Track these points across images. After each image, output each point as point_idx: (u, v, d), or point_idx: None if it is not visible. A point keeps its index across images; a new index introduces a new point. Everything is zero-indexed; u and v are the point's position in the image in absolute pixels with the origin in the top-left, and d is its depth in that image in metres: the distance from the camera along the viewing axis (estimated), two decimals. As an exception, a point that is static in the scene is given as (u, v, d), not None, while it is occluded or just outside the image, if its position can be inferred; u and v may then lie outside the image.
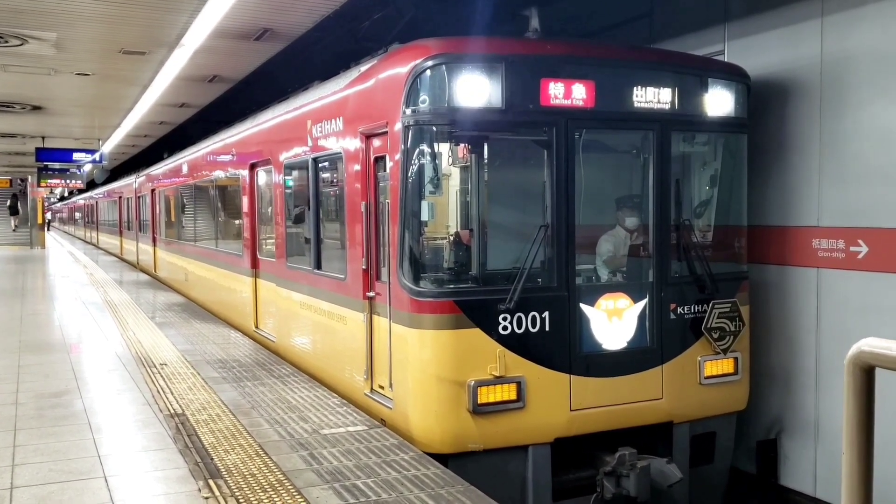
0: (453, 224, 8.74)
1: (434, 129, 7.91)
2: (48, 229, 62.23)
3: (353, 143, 9.11)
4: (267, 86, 17.69)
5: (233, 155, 15.50)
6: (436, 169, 7.87)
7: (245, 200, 14.39)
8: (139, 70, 17.56)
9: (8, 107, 23.61)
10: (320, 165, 10.62)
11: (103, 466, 7.02)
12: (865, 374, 2.56)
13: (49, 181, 34.06)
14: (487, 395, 7.75)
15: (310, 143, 10.58)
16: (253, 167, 13.99)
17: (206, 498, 6.18)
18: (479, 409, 7.72)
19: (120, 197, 36.93)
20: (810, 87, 8.79)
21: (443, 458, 7.53)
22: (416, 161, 7.84)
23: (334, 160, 10.01)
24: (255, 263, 13.83)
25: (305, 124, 10.71)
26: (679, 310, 8.50)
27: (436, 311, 7.77)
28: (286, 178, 12.04)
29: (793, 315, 9.06)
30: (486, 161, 8.42)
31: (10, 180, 47.32)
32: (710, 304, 8.61)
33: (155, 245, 26.41)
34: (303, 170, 11.25)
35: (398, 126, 7.96)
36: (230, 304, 15.72)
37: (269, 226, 13.18)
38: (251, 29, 13.64)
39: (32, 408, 9.03)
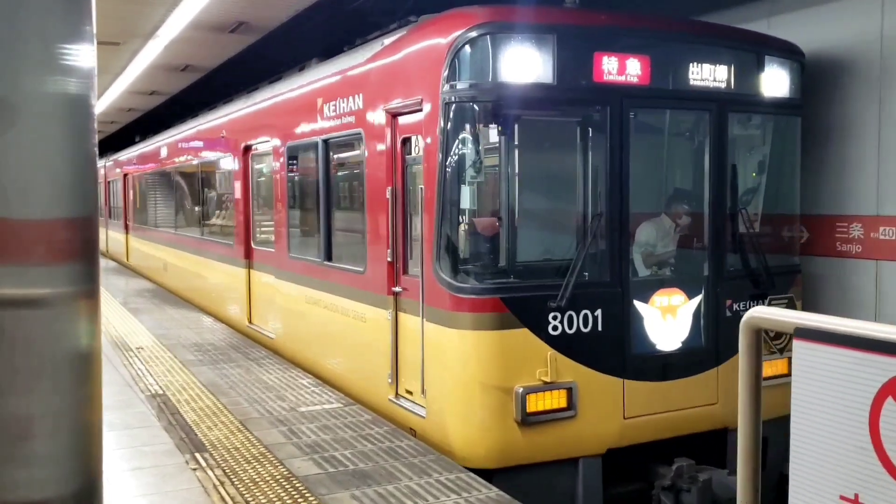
0: (493, 212, 7.23)
1: (478, 106, 6.54)
2: None
3: (377, 123, 7.67)
4: (242, 72, 16.77)
5: (223, 137, 13.46)
6: (478, 151, 6.49)
7: (238, 186, 12.49)
8: (112, 59, 17.08)
9: None
10: (333, 147, 9.10)
11: None
12: (755, 334, 2.87)
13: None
14: (536, 403, 6.44)
15: (320, 123, 9.05)
16: (247, 150, 12.13)
17: (194, 469, 6.17)
18: (527, 419, 6.41)
19: None
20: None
21: (486, 474, 6.23)
22: (457, 142, 6.48)
23: (351, 141, 8.52)
24: (248, 253, 12.06)
25: (315, 103, 9.16)
26: (735, 306, 7.22)
27: (479, 309, 6.44)
28: (289, 161, 10.30)
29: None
30: (533, 142, 7.08)
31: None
32: (767, 301, 7.34)
33: (127, 233, 23.95)
34: (310, 152, 9.67)
35: (435, 103, 6.58)
36: (218, 296, 13.86)
37: (267, 213, 11.46)
38: (227, 21, 13.38)
39: None
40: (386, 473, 6.06)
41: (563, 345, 6.51)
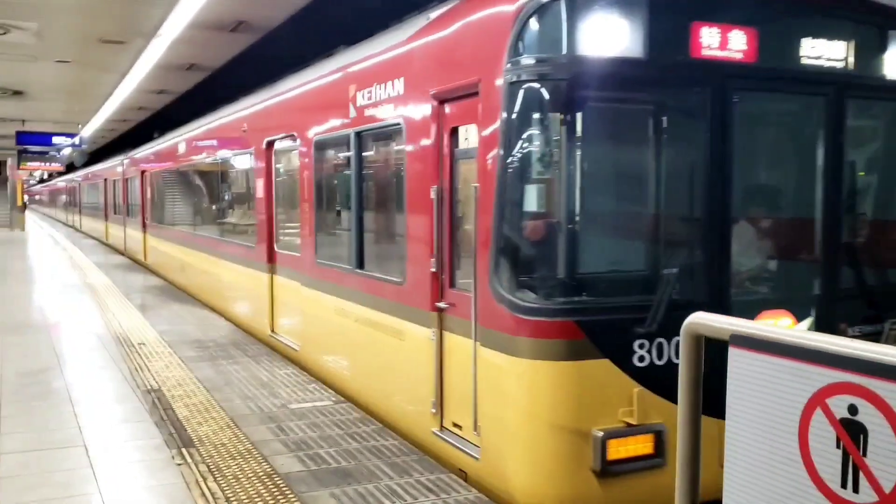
0: (566, 216, 5.63)
1: (550, 87, 5.22)
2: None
3: (420, 111, 6.41)
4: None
5: (243, 131, 12.14)
6: (549, 141, 5.21)
7: (259, 184, 11.19)
8: (118, 58, 17.23)
9: None
10: (367, 140, 7.83)
11: (83, 436, 6.92)
12: (695, 340, 2.80)
13: (29, 164, 31.59)
14: (618, 450, 5.17)
15: (353, 113, 7.76)
16: (270, 145, 10.78)
17: (179, 464, 6.15)
18: (607, 469, 5.15)
19: (105, 180, 31.45)
20: None
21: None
22: (523, 131, 5.22)
23: (389, 133, 7.24)
24: (271, 257, 10.80)
25: (347, 90, 7.88)
26: (849, 331, 5.88)
27: (548, 333, 5.18)
28: (316, 156, 8.96)
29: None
30: (616, 131, 5.76)
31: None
32: (887, 324, 6.01)
33: (145, 231, 22.25)
34: (341, 146, 8.42)
35: (497, 83, 5.31)
36: (238, 301, 12.66)
37: (292, 214, 10.13)
38: (227, 21, 13.53)
39: (14, 384, 8.73)
40: (367, 472, 5.96)
41: (651, 379, 5.23)
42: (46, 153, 31.74)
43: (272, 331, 10.76)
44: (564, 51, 5.12)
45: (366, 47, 7.83)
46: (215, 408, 7.70)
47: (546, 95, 5.24)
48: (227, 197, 14.23)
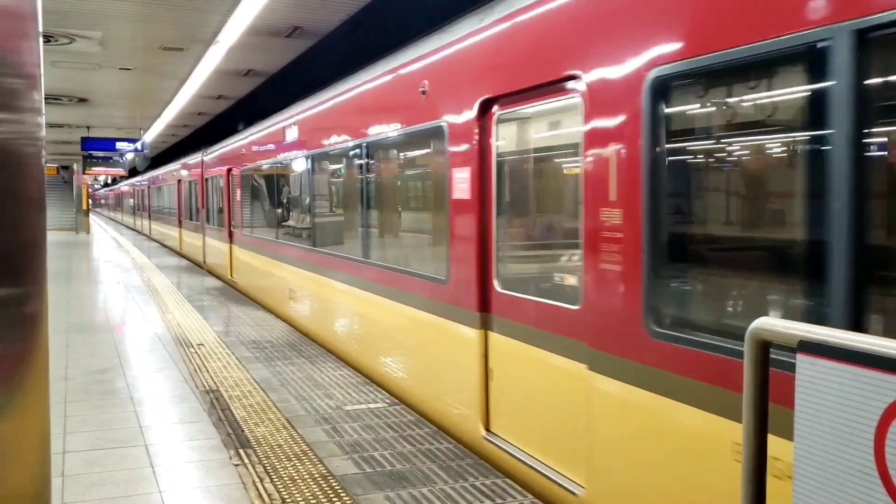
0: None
1: None
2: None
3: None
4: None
5: (422, 93, 7.38)
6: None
7: (462, 178, 6.63)
8: (177, 65, 17.41)
9: (56, 99, 23.24)
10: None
11: (144, 436, 6.96)
12: (762, 347, 2.56)
13: (93, 168, 32.06)
14: None
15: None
16: (488, 107, 6.29)
17: (237, 465, 6.14)
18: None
19: (179, 181, 27.49)
20: None
21: None
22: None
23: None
24: (484, 301, 6.40)
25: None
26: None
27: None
28: (624, 116, 4.64)
29: None
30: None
31: (57, 168, 45.56)
32: None
33: (231, 242, 18.17)
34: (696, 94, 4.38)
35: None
36: (407, 367, 8.03)
37: (540, 228, 6.14)
38: (282, 27, 13.59)
39: (80, 383, 8.88)
40: (422, 476, 5.92)
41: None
42: (110, 158, 32.13)
43: (487, 429, 6.51)
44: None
45: None
46: (272, 408, 7.70)
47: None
48: (383, 200, 9.05)
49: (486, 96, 6.27)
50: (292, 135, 12.66)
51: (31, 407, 2.24)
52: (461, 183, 6.68)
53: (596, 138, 4.91)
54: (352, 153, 9.78)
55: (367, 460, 6.26)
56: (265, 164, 14.79)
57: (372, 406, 7.73)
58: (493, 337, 6.37)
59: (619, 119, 4.69)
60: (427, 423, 7.13)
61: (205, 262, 22.51)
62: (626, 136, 4.63)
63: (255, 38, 14.37)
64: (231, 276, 18.47)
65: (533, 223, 6.24)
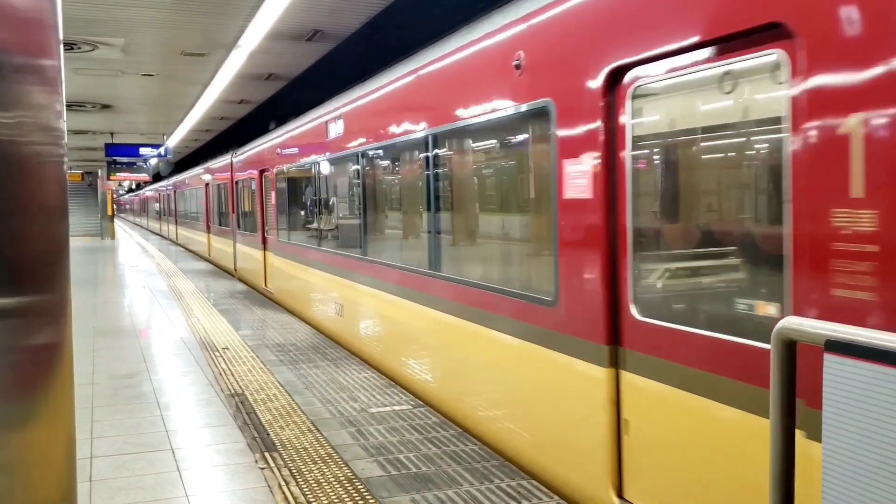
0: None
1: None
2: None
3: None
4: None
5: (516, 67, 5.91)
6: None
7: (580, 170, 5.09)
8: (199, 70, 17.51)
9: (80, 106, 23.40)
10: None
11: (170, 440, 6.99)
12: (788, 346, 2.58)
13: (118, 174, 32.34)
14: None
15: None
16: (618, 77, 4.75)
17: (262, 468, 6.15)
18: None
19: (207, 185, 26.33)
20: None
21: None
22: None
23: None
24: (614, 331, 4.91)
25: None
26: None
27: None
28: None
29: None
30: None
31: (82, 174, 45.94)
32: None
33: (265, 249, 17.02)
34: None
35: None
36: (498, 414, 6.54)
37: (705, 235, 4.55)
38: (302, 31, 13.62)
39: (107, 387, 8.91)
40: (448, 478, 5.88)
41: None
42: (134, 164, 32.42)
43: (620, 496, 4.98)
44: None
45: None
46: (297, 412, 7.68)
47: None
48: (446, 198, 7.79)
49: (619, 62, 4.68)
50: (337, 129, 11.07)
51: (57, 414, 2.23)
52: (577, 178, 5.13)
53: (820, 105, 3.43)
54: (414, 148, 8.34)
55: (393, 463, 6.22)
56: (306, 162, 13.15)
57: (397, 408, 7.71)
58: (629, 378, 4.82)
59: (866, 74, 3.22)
60: (452, 424, 7.08)
61: (235, 269, 21.29)
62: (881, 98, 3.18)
63: (276, 43, 14.41)
64: (265, 284, 17.11)
65: (693, 229, 4.64)
